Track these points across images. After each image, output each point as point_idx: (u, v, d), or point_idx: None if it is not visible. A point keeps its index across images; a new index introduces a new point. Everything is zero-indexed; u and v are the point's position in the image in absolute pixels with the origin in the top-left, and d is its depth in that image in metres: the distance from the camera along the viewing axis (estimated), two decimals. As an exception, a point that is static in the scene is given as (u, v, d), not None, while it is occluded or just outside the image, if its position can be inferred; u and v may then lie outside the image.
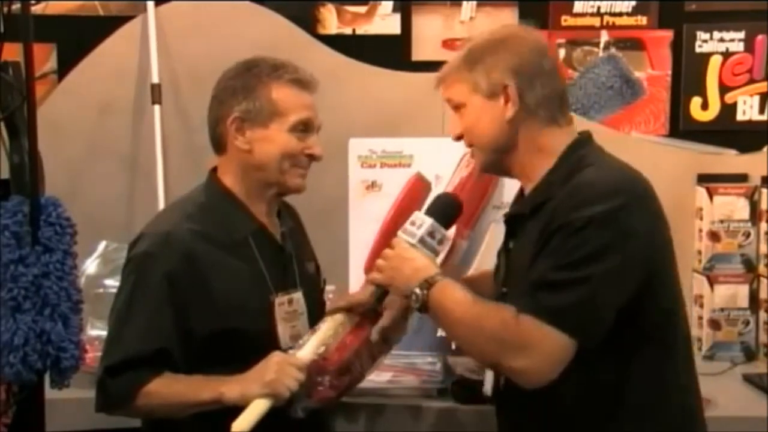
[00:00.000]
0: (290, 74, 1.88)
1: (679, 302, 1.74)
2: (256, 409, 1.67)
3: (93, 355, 2.16)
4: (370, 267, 2.52)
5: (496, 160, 1.77)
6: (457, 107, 1.78)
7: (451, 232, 1.84)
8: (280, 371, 1.70)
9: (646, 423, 1.66)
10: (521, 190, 1.84)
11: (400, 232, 1.79)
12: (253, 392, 1.69)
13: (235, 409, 1.68)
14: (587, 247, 1.57)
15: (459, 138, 1.81)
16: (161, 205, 2.72)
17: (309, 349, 1.77)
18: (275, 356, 1.74)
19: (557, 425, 1.70)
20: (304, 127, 1.88)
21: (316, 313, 1.94)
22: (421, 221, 1.77)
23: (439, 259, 1.85)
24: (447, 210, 1.84)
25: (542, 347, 1.57)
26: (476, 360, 1.76)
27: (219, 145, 1.92)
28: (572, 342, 1.57)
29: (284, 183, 1.89)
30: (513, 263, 1.79)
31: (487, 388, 1.99)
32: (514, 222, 1.79)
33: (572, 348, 1.57)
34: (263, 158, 1.87)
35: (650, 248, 1.63)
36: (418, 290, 1.70)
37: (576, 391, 1.63)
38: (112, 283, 2.39)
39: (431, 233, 1.76)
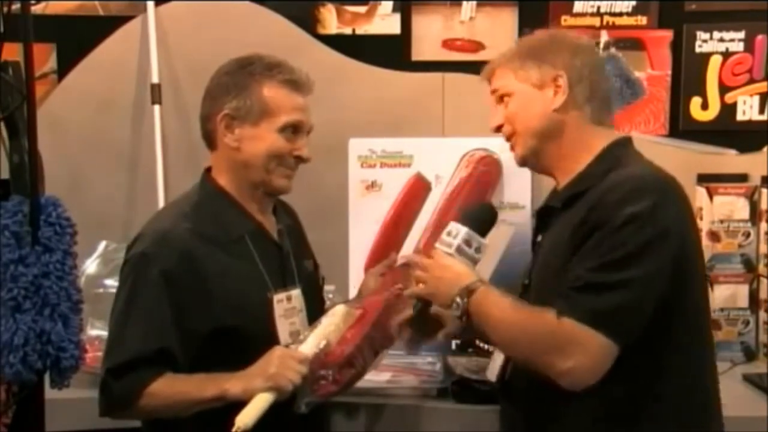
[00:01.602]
0: (284, 75, 1.88)
1: (706, 304, 1.75)
2: (259, 403, 1.67)
3: (93, 355, 2.16)
4: (370, 267, 2.53)
5: (537, 149, 1.78)
6: (503, 97, 1.81)
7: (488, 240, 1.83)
8: (282, 365, 1.70)
9: (657, 424, 1.66)
10: (555, 188, 1.85)
11: (436, 244, 1.80)
12: (256, 386, 1.69)
13: (238, 406, 1.68)
14: (628, 247, 1.58)
15: (499, 128, 1.83)
16: (161, 205, 2.72)
17: (311, 343, 1.78)
18: (277, 350, 1.75)
19: (562, 419, 1.70)
20: (294, 129, 1.88)
21: (314, 311, 1.95)
22: (457, 231, 1.78)
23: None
24: (482, 218, 1.84)
25: (586, 349, 1.58)
26: (522, 364, 1.76)
27: (209, 141, 1.92)
28: (613, 344, 1.58)
29: (269, 183, 1.89)
30: (539, 256, 1.80)
31: (492, 374, 1.99)
32: (544, 215, 1.81)
33: (614, 349, 1.59)
34: (250, 156, 1.87)
35: (684, 247, 1.64)
36: (458, 299, 1.71)
37: (597, 394, 1.63)
38: (112, 283, 2.39)
39: (467, 242, 1.77)
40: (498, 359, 1.89)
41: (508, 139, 1.82)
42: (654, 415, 1.66)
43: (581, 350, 1.58)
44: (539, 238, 1.82)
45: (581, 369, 1.59)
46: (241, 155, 1.87)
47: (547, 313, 1.61)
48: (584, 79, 1.75)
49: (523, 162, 1.83)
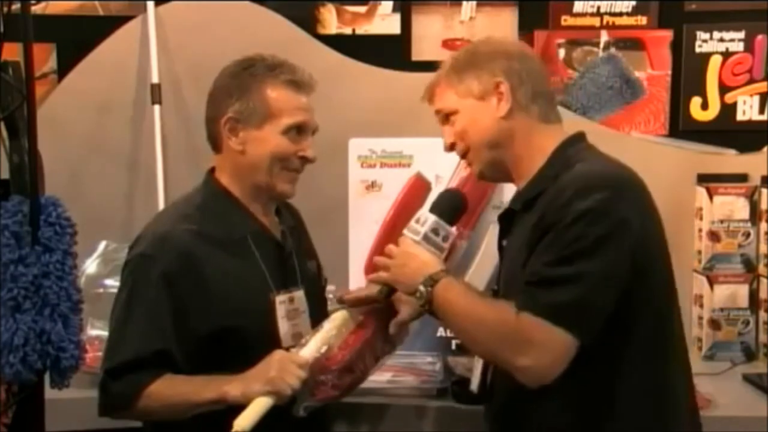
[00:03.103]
0: (286, 75, 1.87)
1: (672, 302, 1.72)
2: (258, 407, 1.66)
3: (93, 355, 2.16)
4: (370, 267, 2.53)
5: (493, 160, 1.77)
6: (448, 116, 1.80)
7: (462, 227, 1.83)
8: (282, 369, 1.69)
9: (636, 426, 1.65)
10: (517, 191, 1.84)
11: (405, 230, 1.80)
12: (255, 390, 1.68)
13: (237, 409, 1.67)
14: (581, 242, 1.57)
15: (452, 147, 1.82)
16: (161, 205, 2.73)
17: (311, 347, 1.77)
18: (277, 354, 1.74)
19: (544, 426, 1.70)
20: (299, 130, 1.87)
21: (317, 312, 1.94)
22: (425, 218, 1.78)
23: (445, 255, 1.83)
24: (451, 206, 1.83)
25: (545, 345, 1.57)
26: (481, 357, 1.75)
27: (215, 143, 1.92)
28: (573, 338, 1.57)
29: (273, 187, 1.88)
30: (505, 261, 1.80)
31: (474, 386, 1.98)
32: (506, 219, 1.80)
33: (574, 344, 1.57)
34: (254, 159, 1.86)
35: (643, 239, 1.61)
36: (422, 287, 1.70)
37: (564, 392, 1.62)
38: (112, 283, 2.39)
39: (435, 230, 1.77)
40: (477, 369, 1.88)
41: (463, 156, 1.81)
42: (617, 413, 1.64)
43: (540, 347, 1.57)
44: (504, 242, 1.81)
45: (540, 366, 1.58)
46: (246, 158, 1.86)
47: (506, 309, 1.61)
48: (525, 81, 1.74)
49: (481, 176, 1.83)
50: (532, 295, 1.59)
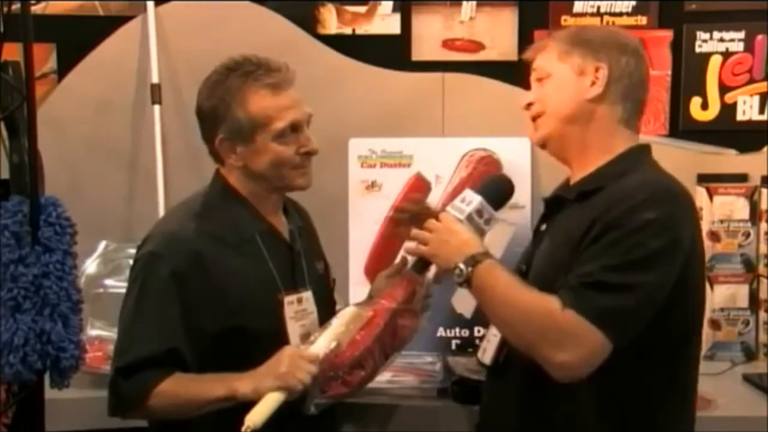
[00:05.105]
0: (261, 81, 1.83)
1: (702, 309, 1.78)
2: (269, 402, 1.66)
3: (93, 355, 2.16)
4: (370, 267, 2.53)
5: (561, 133, 1.78)
6: (541, 78, 1.81)
7: (499, 213, 1.83)
8: (293, 364, 1.69)
9: (661, 424, 1.69)
10: (567, 180, 1.85)
11: (448, 207, 1.80)
12: (266, 386, 1.68)
13: (246, 408, 1.67)
14: (641, 252, 1.59)
15: (528, 106, 1.82)
16: (161, 205, 2.73)
17: (321, 344, 1.77)
18: (287, 350, 1.74)
19: (549, 408, 1.72)
20: (293, 129, 1.86)
21: (325, 313, 1.94)
22: (471, 199, 1.78)
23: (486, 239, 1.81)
24: (499, 191, 1.84)
25: (584, 344, 1.59)
26: (514, 344, 1.76)
27: (216, 159, 1.92)
28: (610, 343, 1.59)
29: (289, 184, 1.90)
30: (540, 245, 1.80)
31: (486, 357, 1.93)
32: (553, 205, 1.81)
33: (609, 348, 1.59)
34: (259, 170, 1.86)
35: (691, 256, 1.66)
36: (462, 265, 1.69)
37: (593, 387, 1.65)
38: (112, 283, 2.40)
39: (479, 211, 1.77)
40: (493, 342, 1.87)
41: (534, 119, 1.82)
42: (644, 411, 1.68)
43: (578, 345, 1.58)
44: (543, 226, 1.82)
45: (574, 363, 1.59)
46: (250, 170, 1.87)
47: (551, 301, 1.61)
48: (624, 78, 1.76)
49: (542, 143, 1.83)
50: (584, 295, 1.60)
